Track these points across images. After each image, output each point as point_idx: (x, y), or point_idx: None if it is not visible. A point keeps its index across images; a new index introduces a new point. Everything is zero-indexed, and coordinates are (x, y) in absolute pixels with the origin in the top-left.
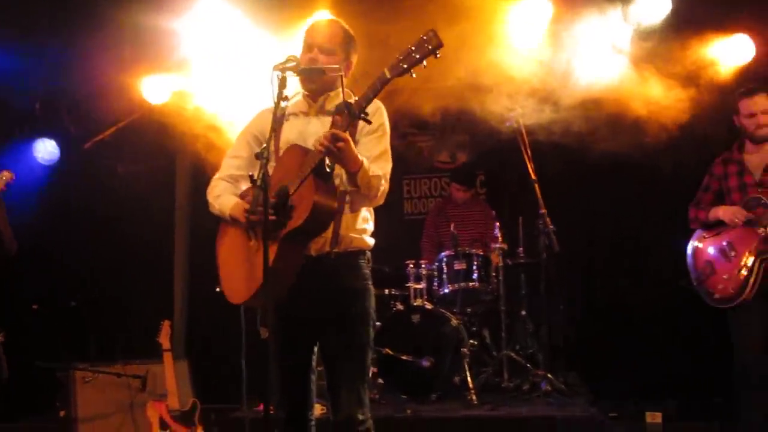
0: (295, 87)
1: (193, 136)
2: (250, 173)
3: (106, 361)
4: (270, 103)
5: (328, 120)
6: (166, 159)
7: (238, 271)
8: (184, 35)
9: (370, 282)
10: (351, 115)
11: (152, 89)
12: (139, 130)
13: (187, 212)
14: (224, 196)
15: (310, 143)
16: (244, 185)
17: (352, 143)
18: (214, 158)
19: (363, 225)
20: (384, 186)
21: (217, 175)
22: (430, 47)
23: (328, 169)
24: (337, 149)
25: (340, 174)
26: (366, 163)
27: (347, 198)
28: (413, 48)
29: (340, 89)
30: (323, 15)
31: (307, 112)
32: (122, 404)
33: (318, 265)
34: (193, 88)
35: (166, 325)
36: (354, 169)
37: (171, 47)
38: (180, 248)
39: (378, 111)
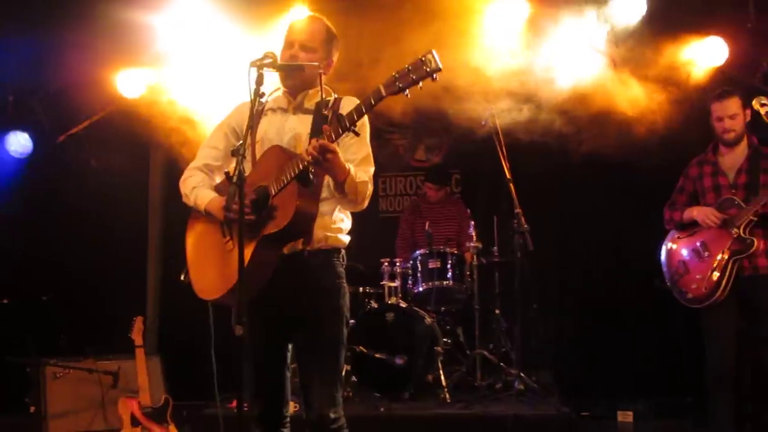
0: (275, 82)
1: (168, 130)
2: (226, 170)
3: (78, 356)
4: (248, 98)
5: (306, 117)
6: (140, 153)
7: (211, 267)
8: (159, 30)
9: (343, 280)
10: (342, 128)
11: (127, 83)
12: (113, 124)
13: (161, 207)
14: (200, 189)
15: (286, 140)
16: (219, 177)
17: (339, 153)
18: (188, 153)
19: (338, 224)
20: (370, 190)
21: (192, 164)
22: (427, 69)
23: (311, 176)
24: (325, 160)
25: (328, 182)
26: (353, 170)
27: (322, 196)
28: (410, 68)
29: (319, 87)
30: (300, 12)
31: (286, 108)
32: (93, 400)
33: (291, 263)
34: (168, 83)
35: (138, 321)
36: (342, 178)
37: (146, 41)
38: (153, 243)
39: None
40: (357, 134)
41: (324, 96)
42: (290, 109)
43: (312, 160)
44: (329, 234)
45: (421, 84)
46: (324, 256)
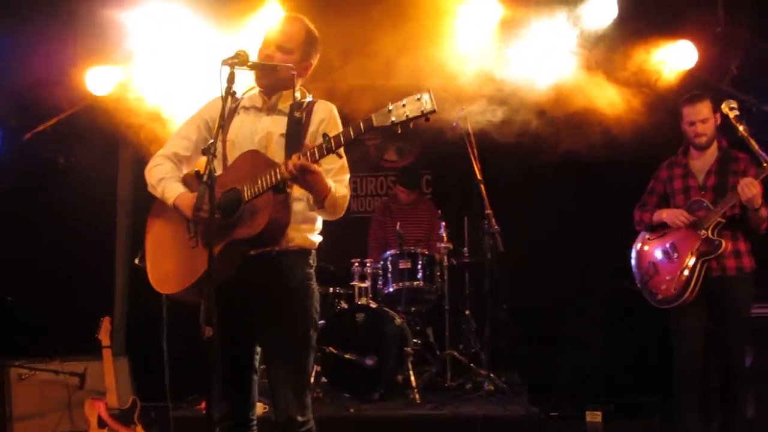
0: (251, 81)
1: (137, 128)
2: (197, 170)
3: (43, 357)
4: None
5: (280, 118)
6: (108, 151)
7: (170, 261)
8: (130, 27)
9: (312, 281)
10: (327, 149)
11: (97, 80)
12: (82, 122)
13: (130, 206)
14: (168, 180)
15: (257, 139)
16: (186, 168)
17: (322, 174)
18: (157, 150)
19: (309, 224)
20: (348, 199)
21: (161, 152)
22: (422, 111)
23: (288, 189)
24: (304, 180)
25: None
26: (334, 187)
27: (294, 195)
28: (405, 103)
29: (292, 89)
30: (273, 10)
31: (260, 107)
32: (59, 402)
33: (259, 263)
34: (137, 81)
35: (106, 321)
36: (322, 196)
37: (117, 39)
38: (122, 242)
39: (332, 118)
40: (340, 157)
41: (300, 97)
42: (264, 109)
43: (290, 177)
44: (299, 234)
45: (412, 124)
46: (294, 257)
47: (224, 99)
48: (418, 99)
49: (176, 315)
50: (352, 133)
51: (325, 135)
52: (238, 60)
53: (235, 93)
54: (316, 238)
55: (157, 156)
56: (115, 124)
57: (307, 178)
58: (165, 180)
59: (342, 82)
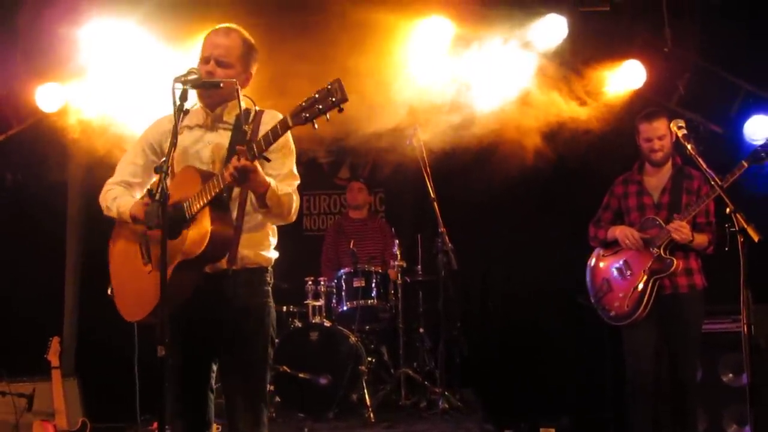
0: (192, 98)
1: (87, 146)
2: (148, 187)
3: None
4: (168, 112)
5: (225, 132)
6: (58, 169)
7: (131, 289)
8: (79, 43)
9: (269, 299)
10: (251, 156)
11: (46, 97)
12: (31, 139)
13: (80, 225)
14: (122, 197)
15: (204, 155)
16: (138, 193)
17: (260, 170)
18: (107, 169)
19: (264, 241)
20: (296, 202)
21: (110, 180)
22: (333, 100)
23: (224, 195)
24: (246, 180)
25: (251, 197)
26: (273, 183)
27: (246, 210)
28: (317, 97)
29: (237, 101)
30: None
31: (203, 123)
32: (6, 425)
33: (215, 284)
34: (87, 97)
35: (55, 341)
36: (262, 190)
37: (65, 55)
38: (71, 262)
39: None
40: (268, 160)
41: (245, 107)
42: (208, 122)
43: (232, 180)
44: (254, 252)
45: (328, 115)
46: (250, 275)
47: (176, 116)
48: (328, 89)
49: (128, 334)
50: (271, 137)
51: (249, 141)
52: (190, 77)
53: (188, 111)
54: (272, 255)
55: (107, 183)
56: (64, 141)
57: (249, 177)
58: (118, 198)
59: (298, 96)
